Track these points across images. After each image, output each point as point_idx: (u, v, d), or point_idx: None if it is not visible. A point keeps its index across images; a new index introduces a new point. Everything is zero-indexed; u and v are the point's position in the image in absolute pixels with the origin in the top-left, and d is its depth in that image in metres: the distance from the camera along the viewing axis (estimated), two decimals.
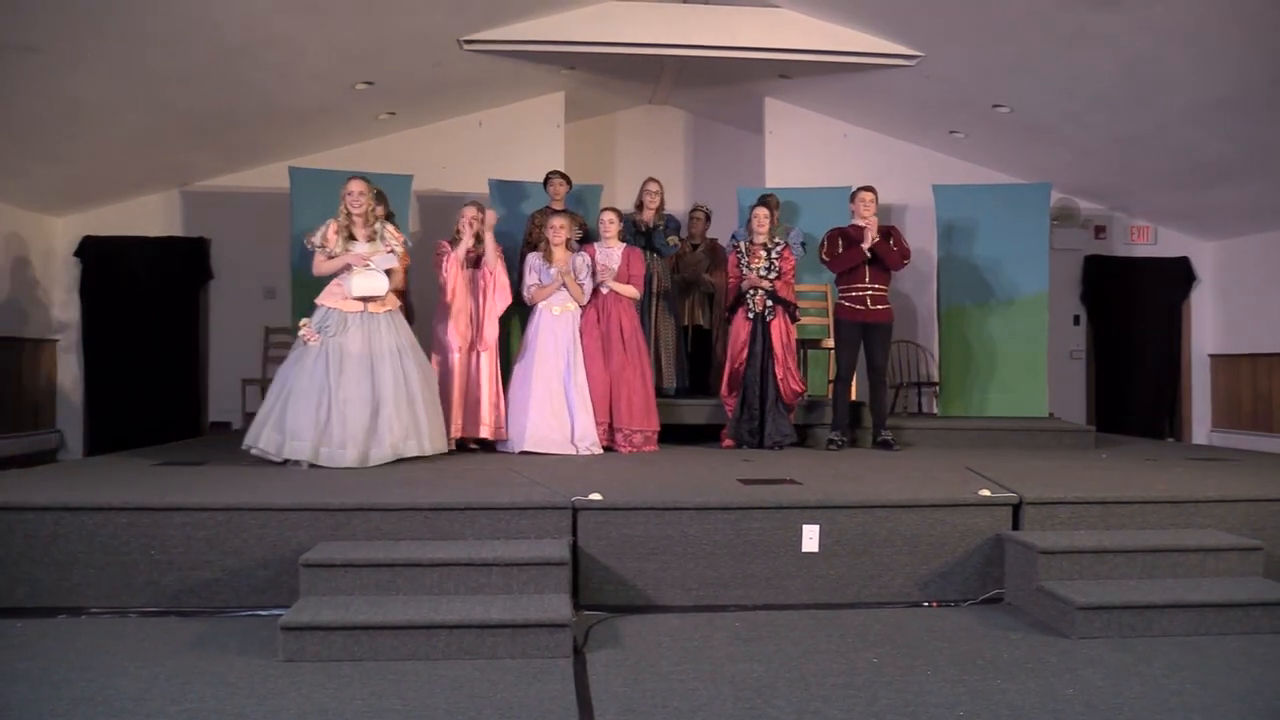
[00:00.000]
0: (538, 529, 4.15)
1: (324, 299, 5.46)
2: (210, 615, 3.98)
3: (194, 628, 3.80)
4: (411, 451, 5.41)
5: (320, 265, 5.52)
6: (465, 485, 4.62)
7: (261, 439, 5.23)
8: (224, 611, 4.01)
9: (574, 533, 4.15)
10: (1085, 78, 6.78)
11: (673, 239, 7.18)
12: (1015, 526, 4.39)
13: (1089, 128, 7.62)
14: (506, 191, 7.75)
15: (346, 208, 5.50)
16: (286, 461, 5.20)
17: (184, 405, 8.51)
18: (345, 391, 5.25)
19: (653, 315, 7.08)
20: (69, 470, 5.24)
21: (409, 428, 5.40)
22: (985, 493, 4.42)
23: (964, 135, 8.49)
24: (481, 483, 4.71)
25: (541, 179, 7.48)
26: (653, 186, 7.20)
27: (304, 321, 5.44)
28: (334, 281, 5.50)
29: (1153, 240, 9.40)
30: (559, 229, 6.26)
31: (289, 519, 4.09)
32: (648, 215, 7.13)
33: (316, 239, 5.52)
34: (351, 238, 5.50)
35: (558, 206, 7.15)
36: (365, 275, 5.42)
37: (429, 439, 5.48)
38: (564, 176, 7.33)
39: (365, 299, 5.42)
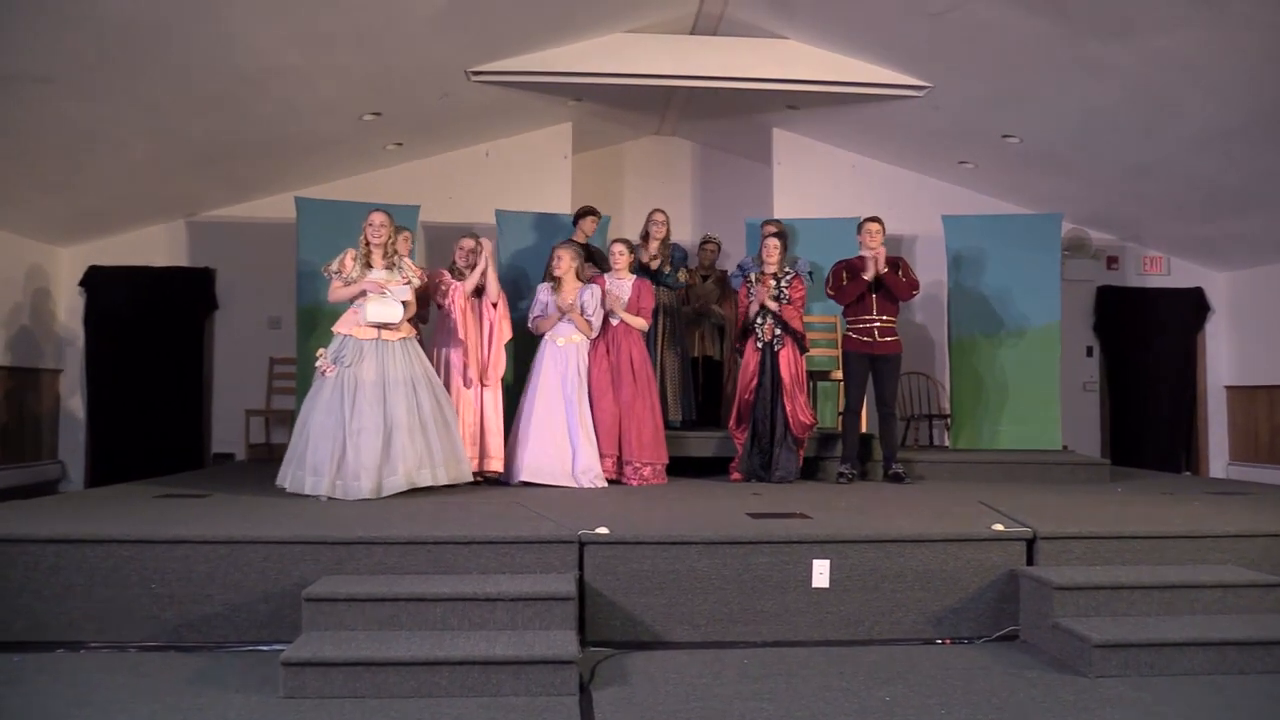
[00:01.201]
0: (544, 563, 4.12)
1: (340, 326, 5.51)
2: (210, 650, 3.95)
3: (193, 663, 3.77)
4: (426, 481, 5.42)
5: (336, 291, 5.57)
6: (470, 519, 4.60)
7: (289, 478, 5.30)
8: (224, 646, 3.98)
9: (580, 567, 4.12)
10: (1095, 107, 6.81)
11: (683, 273, 7.19)
12: (1030, 562, 4.34)
13: (1100, 157, 7.64)
14: (513, 222, 7.79)
15: (366, 238, 5.57)
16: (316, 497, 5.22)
17: (187, 436, 8.52)
18: (359, 421, 5.28)
19: (658, 347, 7.08)
20: (70, 502, 5.24)
21: (423, 456, 5.41)
22: (999, 527, 4.38)
23: (973, 165, 8.52)
24: (487, 516, 4.69)
25: (549, 209, 7.53)
26: (658, 217, 7.21)
27: (320, 352, 5.49)
28: (350, 309, 5.53)
29: (1166, 271, 9.39)
30: (560, 260, 6.29)
31: (291, 552, 4.07)
32: (652, 246, 7.13)
33: (334, 266, 5.58)
34: (369, 266, 5.55)
35: (581, 241, 7.21)
36: (381, 302, 5.46)
37: (444, 468, 5.49)
38: (595, 214, 7.35)
39: (380, 326, 5.44)
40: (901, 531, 4.32)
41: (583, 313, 6.26)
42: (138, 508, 4.88)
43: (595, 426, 6.21)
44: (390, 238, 5.64)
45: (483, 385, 6.14)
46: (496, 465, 6.09)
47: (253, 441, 8.27)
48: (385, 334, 5.47)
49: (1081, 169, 7.93)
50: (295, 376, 7.52)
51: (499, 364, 6.20)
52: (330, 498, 5.19)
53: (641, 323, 6.43)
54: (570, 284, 6.32)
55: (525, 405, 6.20)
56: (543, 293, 6.37)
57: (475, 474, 6.01)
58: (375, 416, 5.30)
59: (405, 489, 5.34)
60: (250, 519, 4.48)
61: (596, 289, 6.36)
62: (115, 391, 8.42)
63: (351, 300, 5.54)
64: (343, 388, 5.32)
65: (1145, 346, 9.25)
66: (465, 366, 6.07)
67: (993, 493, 5.77)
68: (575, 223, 7.45)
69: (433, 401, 5.54)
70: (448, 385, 5.99)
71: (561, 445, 6.11)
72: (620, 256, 6.47)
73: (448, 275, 6.24)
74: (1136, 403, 9.26)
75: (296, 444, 5.36)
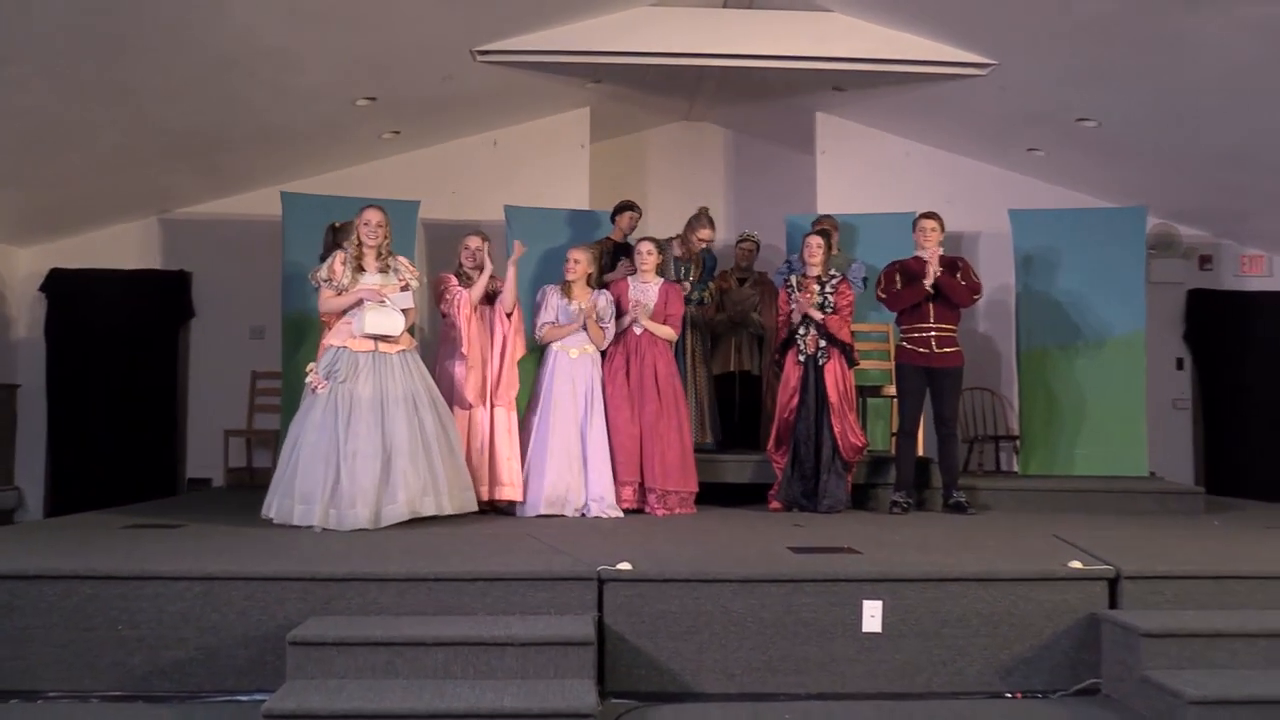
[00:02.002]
0: (558, 603, 4.11)
1: (332, 339, 5.53)
2: (183, 700, 3.95)
3: (165, 714, 3.79)
4: (429, 510, 5.44)
5: (328, 301, 5.60)
6: (475, 553, 4.60)
7: (276, 507, 5.31)
8: (198, 696, 3.99)
9: (600, 608, 4.12)
10: (1184, 86, 6.76)
11: (708, 292, 7.23)
12: (1113, 605, 4.30)
13: (1189, 143, 7.59)
14: (524, 220, 7.81)
15: (359, 238, 5.60)
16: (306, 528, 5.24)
17: (159, 459, 8.57)
18: (355, 443, 5.30)
19: (687, 360, 7.07)
20: (27, 533, 5.29)
21: (426, 482, 5.44)
22: (1077, 564, 4.35)
23: (1044, 153, 8.47)
24: (494, 550, 4.70)
25: (565, 205, 7.53)
26: (705, 234, 7.24)
27: (311, 367, 5.52)
28: (342, 319, 5.55)
29: (1267, 271, 9.29)
30: (576, 264, 6.29)
31: (274, 591, 4.08)
32: (695, 245, 7.16)
33: (323, 273, 5.61)
34: (361, 269, 5.57)
35: (618, 240, 7.23)
36: (380, 312, 5.50)
37: (448, 496, 5.50)
38: (635, 209, 7.38)
39: (377, 337, 5.48)
40: (965, 569, 4.29)
41: (599, 321, 6.26)
42: (103, 540, 4.91)
43: (613, 449, 6.21)
44: (386, 238, 5.68)
45: (493, 405, 6.14)
46: (511, 494, 6.07)
47: (232, 465, 8.32)
48: (383, 346, 5.50)
49: (1169, 156, 7.87)
50: (281, 393, 7.57)
51: (511, 381, 6.19)
52: (324, 528, 5.20)
53: (669, 332, 6.43)
54: (581, 291, 6.32)
55: (537, 429, 6.19)
56: (553, 295, 6.37)
57: (484, 503, 6.02)
58: (373, 438, 5.32)
59: (407, 519, 5.35)
60: (229, 553, 4.50)
61: (607, 295, 6.38)
62: (79, 409, 8.49)
63: (344, 310, 5.57)
64: (336, 406, 5.35)
65: (1245, 358, 9.13)
66: (464, 385, 6.05)
67: (1069, 525, 5.73)
68: (613, 219, 7.47)
69: (436, 421, 5.55)
70: (451, 404, 5.99)
71: (579, 473, 6.12)
72: (648, 257, 6.48)
73: (453, 280, 6.22)
74: (1236, 423, 9.14)
75: (284, 469, 5.38)
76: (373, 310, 5.49)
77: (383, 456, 5.33)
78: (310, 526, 5.22)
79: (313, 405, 5.40)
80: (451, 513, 5.54)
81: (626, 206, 7.47)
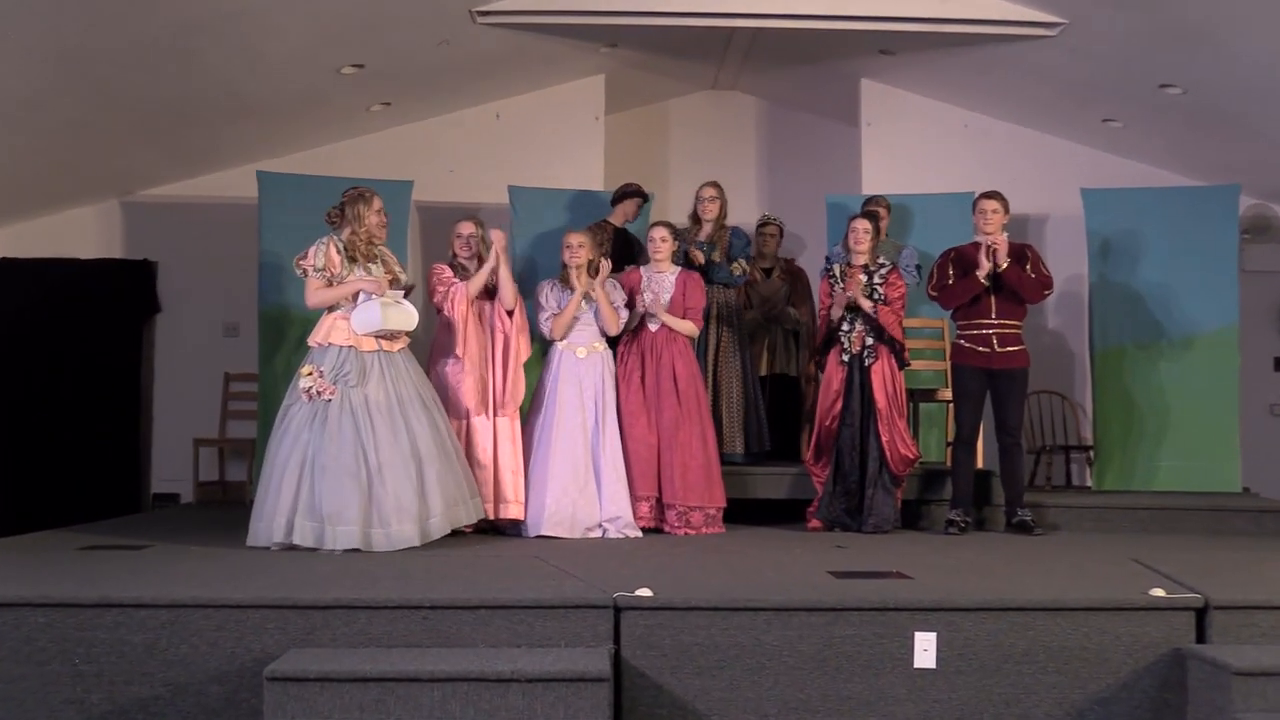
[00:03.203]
0: (569, 634, 4.12)
1: (332, 337, 5.55)
2: None
3: None
4: (463, 520, 5.65)
5: (318, 293, 5.63)
6: (476, 577, 4.62)
7: (295, 531, 5.30)
8: None
9: (616, 639, 4.12)
10: None
11: (738, 266, 7.13)
12: (1200, 639, 4.28)
13: None
14: (531, 202, 7.82)
15: (370, 230, 5.70)
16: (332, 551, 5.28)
17: (121, 472, 8.62)
18: (382, 454, 5.37)
19: (710, 359, 7.05)
20: None
21: (457, 490, 5.58)
22: (1159, 592, 4.33)
23: (1122, 124, 8.44)
24: (497, 573, 4.72)
25: (577, 185, 7.55)
26: (708, 192, 7.14)
27: (308, 369, 5.51)
28: (336, 315, 5.59)
29: None
30: (578, 249, 6.29)
31: (250, 619, 4.09)
32: (705, 230, 7.10)
33: (314, 261, 5.62)
34: (353, 259, 5.63)
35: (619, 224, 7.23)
36: (397, 308, 5.58)
37: (475, 502, 5.72)
38: (641, 196, 7.37)
39: (393, 334, 5.58)
40: (1030, 597, 4.28)
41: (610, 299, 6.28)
42: (57, 562, 4.95)
43: (628, 461, 6.23)
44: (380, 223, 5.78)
45: (497, 414, 6.16)
46: (517, 511, 6.11)
47: (203, 479, 8.34)
48: (385, 344, 5.58)
49: (1265, 127, 7.83)
50: (258, 397, 7.58)
51: (517, 388, 6.21)
52: (367, 550, 5.24)
53: (690, 327, 6.44)
54: (583, 280, 6.31)
55: (540, 437, 6.20)
56: (551, 289, 6.36)
57: (487, 522, 6.07)
58: (401, 447, 5.42)
59: (448, 530, 5.52)
60: (199, 577, 4.52)
61: (616, 281, 6.40)
62: (29, 416, 8.53)
63: (339, 304, 5.61)
64: (354, 412, 5.39)
65: None
66: (460, 391, 6.07)
67: (1150, 548, 5.71)
68: (614, 204, 7.47)
69: (446, 424, 5.71)
70: (450, 411, 6.02)
71: (588, 488, 6.13)
72: (662, 244, 6.49)
73: (447, 272, 6.23)
74: None
75: (296, 488, 5.34)
76: (389, 305, 5.54)
77: (415, 465, 5.42)
78: (350, 549, 5.24)
79: (320, 413, 5.40)
80: (478, 520, 5.76)
81: (632, 192, 7.44)
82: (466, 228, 6.29)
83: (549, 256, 7.43)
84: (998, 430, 6.50)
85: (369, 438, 5.36)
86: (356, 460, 5.33)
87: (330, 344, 5.53)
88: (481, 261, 6.17)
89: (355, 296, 5.57)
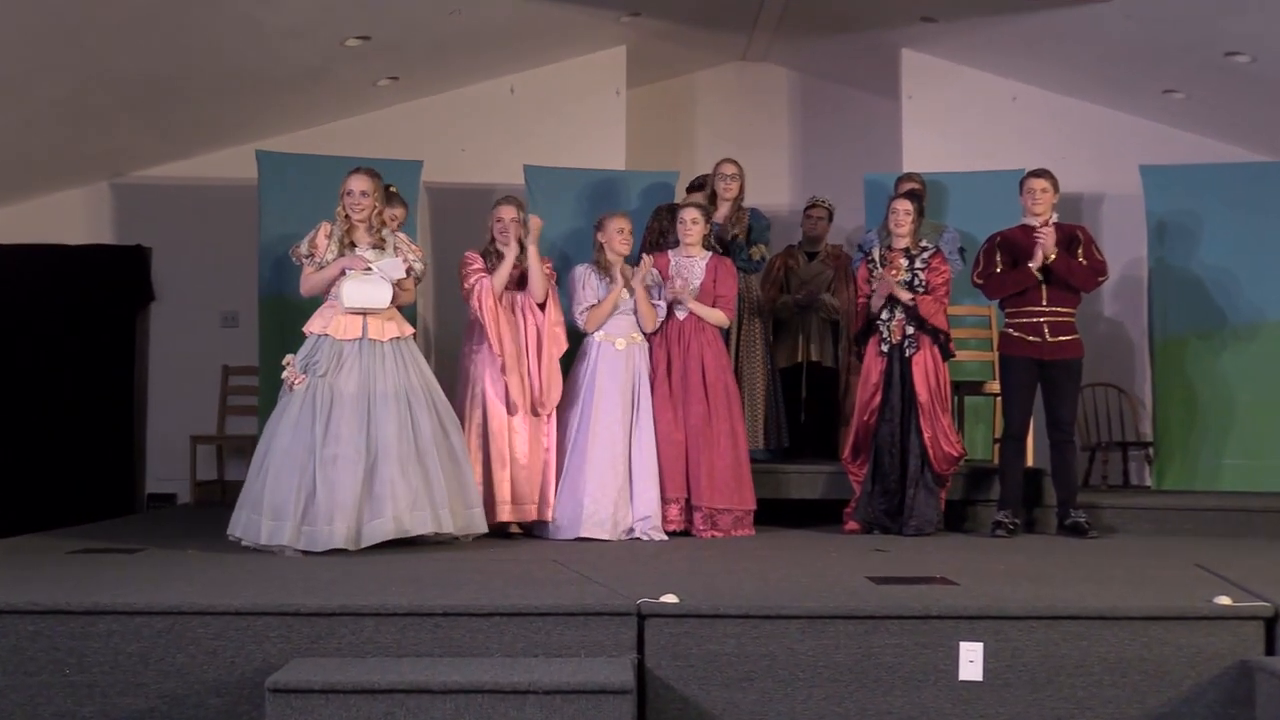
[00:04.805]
0: (590, 643, 4.13)
1: (313, 325, 5.59)
2: None
3: None
4: (423, 527, 5.47)
5: (309, 279, 5.69)
6: (491, 582, 4.62)
7: (243, 524, 5.36)
8: None
9: (640, 649, 4.12)
10: None
11: (758, 250, 7.12)
12: (1269, 651, 4.25)
13: None
14: (548, 182, 7.83)
15: (345, 210, 5.66)
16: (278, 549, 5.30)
17: (114, 471, 8.66)
18: (334, 446, 5.35)
19: (734, 349, 7.05)
20: None
21: (419, 493, 5.45)
22: (1224, 600, 4.31)
23: (1184, 96, 8.39)
24: (514, 578, 4.72)
25: (597, 164, 7.52)
26: (728, 169, 7.14)
27: (288, 359, 5.56)
28: (326, 302, 5.61)
29: None
30: (628, 236, 6.33)
31: (251, 627, 4.11)
32: (721, 209, 7.10)
33: (304, 248, 5.66)
34: (351, 245, 5.63)
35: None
36: (360, 280, 5.53)
37: (447, 512, 5.52)
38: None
39: (362, 312, 5.53)
40: (1085, 605, 4.27)
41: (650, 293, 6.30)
42: (47, 566, 4.98)
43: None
44: (376, 208, 5.70)
45: (537, 414, 6.18)
46: (549, 513, 6.19)
47: (201, 478, 8.39)
48: (371, 332, 5.54)
49: None
50: (258, 391, 7.61)
51: (554, 386, 6.20)
52: (295, 550, 5.25)
53: (720, 316, 6.45)
54: (625, 271, 6.34)
55: (576, 433, 6.23)
56: (591, 275, 6.39)
57: (515, 525, 6.13)
58: (356, 440, 5.37)
59: (394, 537, 5.39)
60: (197, 582, 4.54)
61: (651, 268, 6.39)
62: (16, 412, 8.57)
63: (329, 288, 5.63)
64: (315, 403, 5.40)
65: None
66: (507, 390, 6.08)
67: (1214, 552, 5.68)
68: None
69: (435, 424, 5.60)
70: (486, 413, 6.05)
71: (626, 487, 6.16)
72: (693, 227, 6.49)
73: (476, 262, 6.19)
74: None
75: (254, 480, 5.43)
76: (352, 280, 5.53)
77: (366, 462, 5.36)
78: (281, 548, 5.26)
79: (289, 403, 5.46)
80: (453, 533, 5.58)
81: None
82: (508, 212, 6.18)
83: (570, 241, 7.44)
84: (1049, 426, 6.48)
85: (322, 429, 5.35)
86: (306, 452, 5.33)
87: (311, 332, 5.58)
88: (522, 249, 6.13)
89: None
